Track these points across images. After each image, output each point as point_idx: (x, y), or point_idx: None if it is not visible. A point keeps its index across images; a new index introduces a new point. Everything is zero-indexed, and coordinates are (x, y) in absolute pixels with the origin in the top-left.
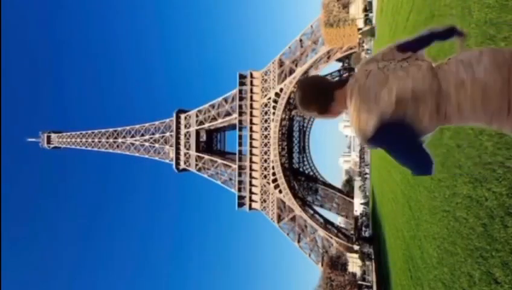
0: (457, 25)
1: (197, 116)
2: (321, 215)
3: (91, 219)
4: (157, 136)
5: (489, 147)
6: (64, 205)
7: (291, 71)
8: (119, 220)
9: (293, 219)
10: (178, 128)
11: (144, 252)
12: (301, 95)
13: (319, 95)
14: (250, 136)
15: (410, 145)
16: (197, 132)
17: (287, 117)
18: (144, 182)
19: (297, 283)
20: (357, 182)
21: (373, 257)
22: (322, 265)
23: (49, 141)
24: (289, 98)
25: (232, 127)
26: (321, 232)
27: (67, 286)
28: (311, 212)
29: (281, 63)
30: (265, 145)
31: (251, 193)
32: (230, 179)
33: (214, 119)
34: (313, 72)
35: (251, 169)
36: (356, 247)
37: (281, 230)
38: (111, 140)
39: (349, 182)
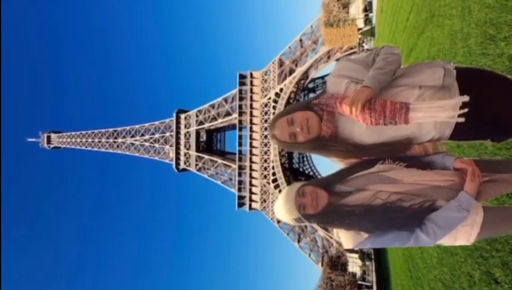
0: None
1: (197, 116)
2: None
3: (91, 218)
4: (157, 136)
5: (489, 147)
6: (64, 205)
7: (291, 71)
8: (119, 220)
9: None
10: (178, 128)
11: (144, 251)
12: None
13: None
14: (250, 136)
15: None
16: (197, 132)
17: None
18: (144, 182)
19: (297, 283)
20: None
21: (373, 257)
22: (322, 265)
23: (49, 141)
24: (289, 98)
25: (232, 127)
26: (321, 232)
27: (67, 286)
28: None
29: (281, 63)
30: (265, 145)
31: (251, 193)
32: (230, 179)
33: (214, 119)
34: (312, 73)
35: (251, 169)
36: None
37: (281, 230)
38: (111, 140)
39: None
